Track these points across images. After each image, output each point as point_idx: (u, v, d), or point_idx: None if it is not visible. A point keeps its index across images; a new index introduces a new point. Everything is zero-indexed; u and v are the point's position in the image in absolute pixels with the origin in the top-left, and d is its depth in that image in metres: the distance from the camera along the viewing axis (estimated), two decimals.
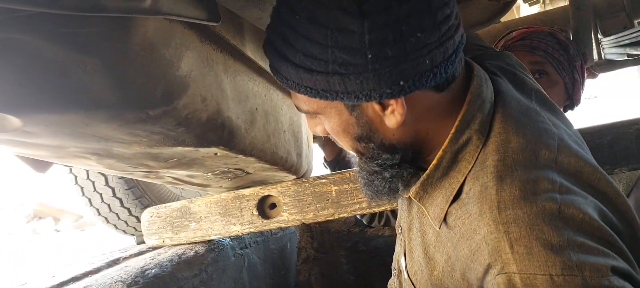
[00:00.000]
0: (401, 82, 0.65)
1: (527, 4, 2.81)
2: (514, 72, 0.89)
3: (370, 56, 0.63)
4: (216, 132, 1.01)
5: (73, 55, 0.69)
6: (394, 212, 1.90)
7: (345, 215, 1.46)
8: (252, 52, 1.17)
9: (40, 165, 1.20)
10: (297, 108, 0.78)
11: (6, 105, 0.72)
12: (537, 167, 0.69)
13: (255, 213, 1.50)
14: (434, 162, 0.76)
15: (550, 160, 0.70)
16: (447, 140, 0.74)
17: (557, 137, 0.74)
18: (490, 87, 0.78)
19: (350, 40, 0.63)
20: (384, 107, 0.70)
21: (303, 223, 1.49)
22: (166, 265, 1.31)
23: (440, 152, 0.75)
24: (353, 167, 1.83)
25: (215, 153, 1.09)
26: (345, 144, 0.79)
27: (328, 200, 1.45)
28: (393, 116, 0.70)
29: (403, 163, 0.77)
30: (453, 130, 0.74)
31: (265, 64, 1.22)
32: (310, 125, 0.82)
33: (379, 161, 0.76)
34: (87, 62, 0.70)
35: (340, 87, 0.66)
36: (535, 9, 2.87)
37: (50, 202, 5.36)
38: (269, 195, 1.51)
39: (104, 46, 0.71)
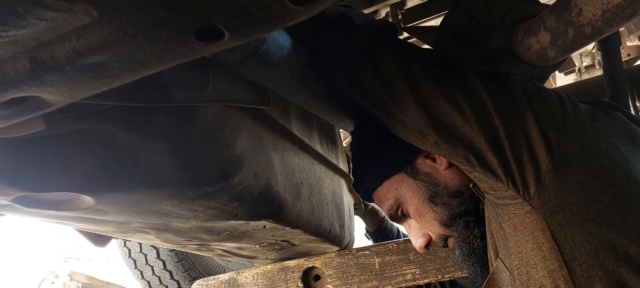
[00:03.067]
0: None
1: (562, 74, 2.84)
2: None
3: None
4: (266, 205, 1.07)
5: (144, 141, 0.78)
6: (442, 284, 1.88)
7: (390, 287, 1.46)
8: (297, 129, 1.25)
9: (101, 240, 1.29)
10: (391, 216, 1.02)
11: (82, 187, 0.81)
12: None
13: (300, 285, 1.52)
14: None
15: None
16: None
17: None
18: None
19: None
20: (432, 159, 0.90)
21: None
22: None
23: None
24: (394, 238, 1.84)
25: (265, 226, 1.15)
26: (431, 223, 0.96)
27: (371, 271, 1.47)
28: (442, 162, 0.90)
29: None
30: None
31: (310, 140, 1.30)
32: (413, 238, 1.02)
33: (462, 216, 0.92)
34: (156, 146, 0.79)
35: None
36: (571, 78, 2.90)
37: (97, 275, 5.47)
38: (313, 267, 1.54)
39: (171, 132, 0.80)
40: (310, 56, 0.88)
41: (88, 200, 0.83)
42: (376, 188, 0.99)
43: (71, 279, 5.65)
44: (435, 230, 0.96)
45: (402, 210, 0.98)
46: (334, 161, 1.45)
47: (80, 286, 5.55)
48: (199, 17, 0.39)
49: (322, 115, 1.10)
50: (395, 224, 1.95)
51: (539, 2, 0.92)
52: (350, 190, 1.63)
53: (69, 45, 0.40)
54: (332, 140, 1.49)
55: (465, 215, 0.92)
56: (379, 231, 1.94)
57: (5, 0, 0.32)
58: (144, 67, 0.45)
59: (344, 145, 2.00)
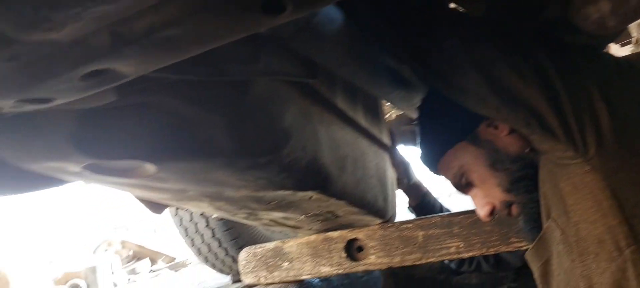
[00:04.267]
0: None
1: (618, 45, 2.71)
2: None
3: None
4: (313, 177, 1.11)
5: (202, 113, 0.82)
6: (486, 258, 1.88)
7: (433, 260, 1.48)
8: (342, 103, 1.27)
9: (158, 207, 1.36)
10: (455, 186, 1.06)
11: (146, 155, 0.87)
12: None
13: (344, 255, 1.56)
14: None
15: None
16: None
17: None
18: None
19: None
20: (494, 127, 0.92)
21: (390, 267, 1.53)
22: None
23: None
24: (436, 213, 1.85)
25: (311, 197, 1.19)
26: (494, 190, 0.98)
27: (415, 244, 1.49)
28: (504, 129, 0.92)
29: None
30: None
31: (354, 114, 1.32)
32: (479, 207, 1.03)
33: (522, 181, 0.93)
34: (212, 118, 0.84)
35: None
36: (627, 50, 2.76)
37: (146, 244, 5.76)
38: (356, 238, 1.58)
39: (226, 105, 0.84)
40: (361, 28, 0.90)
41: (151, 168, 0.89)
42: (440, 158, 1.02)
43: (123, 247, 5.98)
44: (498, 197, 0.98)
45: (466, 178, 1.00)
46: (377, 135, 1.46)
47: (131, 253, 5.86)
48: None
49: (370, 88, 1.12)
50: (438, 200, 1.96)
51: None
52: (393, 165, 1.65)
53: (147, 19, 0.43)
54: (375, 114, 1.50)
55: (525, 180, 0.94)
56: (422, 205, 1.94)
57: None
58: (212, 40, 0.48)
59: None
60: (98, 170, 0.87)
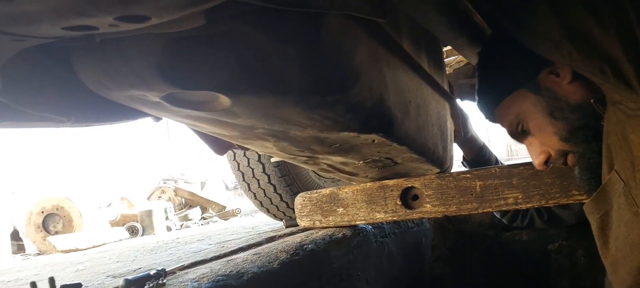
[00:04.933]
0: None
1: None
2: None
3: None
4: (377, 119, 1.11)
5: (278, 44, 0.83)
6: (538, 212, 1.85)
7: (490, 210, 1.47)
8: (409, 47, 1.25)
9: (221, 147, 1.41)
10: (511, 133, 1.04)
11: (221, 87, 0.89)
12: None
13: (399, 203, 1.58)
14: None
15: None
16: None
17: None
18: None
19: None
20: (556, 74, 0.89)
21: (445, 215, 1.54)
22: (320, 242, 1.44)
23: None
24: (492, 165, 1.82)
25: (373, 141, 1.20)
26: (551, 138, 0.97)
27: (472, 194, 1.48)
28: (566, 76, 0.89)
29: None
30: None
31: (419, 60, 1.30)
32: (534, 155, 1.02)
33: (581, 130, 0.92)
34: (285, 51, 0.84)
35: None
36: None
37: (198, 192, 5.99)
38: (412, 187, 1.58)
39: (299, 37, 0.85)
40: None
41: (225, 100, 0.91)
42: (498, 105, 1.00)
43: (176, 195, 6.24)
44: (554, 146, 0.96)
45: (523, 126, 0.99)
46: (440, 83, 1.44)
47: (183, 201, 6.12)
48: None
49: (440, 32, 1.10)
50: (494, 154, 1.93)
51: None
52: (452, 115, 1.62)
53: None
54: (438, 62, 1.47)
55: (585, 130, 0.92)
56: (476, 160, 1.92)
57: None
58: None
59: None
60: (176, 102, 0.90)
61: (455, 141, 1.93)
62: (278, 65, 0.86)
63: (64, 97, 0.97)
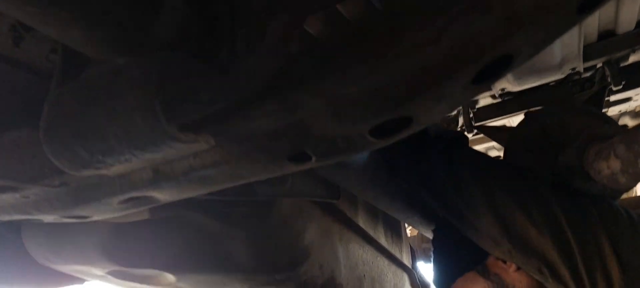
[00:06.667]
0: None
1: None
2: None
3: None
4: None
5: (227, 228, 0.85)
6: None
7: None
8: (363, 222, 1.29)
9: None
10: None
11: (167, 265, 0.89)
12: None
13: None
14: None
15: None
16: None
17: None
18: None
19: None
20: (503, 260, 0.91)
21: None
22: None
23: None
24: None
25: None
26: None
27: None
28: (512, 265, 0.90)
29: None
30: None
31: (375, 233, 1.33)
32: None
33: None
34: (236, 234, 0.86)
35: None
36: None
37: None
38: None
39: (250, 222, 0.87)
40: (385, 161, 0.95)
41: (170, 277, 0.91)
42: (451, 284, 1.03)
43: None
44: None
45: None
46: (397, 255, 1.46)
47: None
48: (294, 146, 0.46)
49: (389, 212, 1.14)
50: None
51: (615, 122, 0.93)
52: (412, 285, 1.62)
53: (187, 162, 0.48)
54: (397, 234, 1.51)
55: None
56: None
57: (150, 135, 0.40)
58: (242, 179, 0.52)
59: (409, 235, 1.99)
60: (120, 276, 0.89)
61: None
62: (226, 247, 0.87)
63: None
